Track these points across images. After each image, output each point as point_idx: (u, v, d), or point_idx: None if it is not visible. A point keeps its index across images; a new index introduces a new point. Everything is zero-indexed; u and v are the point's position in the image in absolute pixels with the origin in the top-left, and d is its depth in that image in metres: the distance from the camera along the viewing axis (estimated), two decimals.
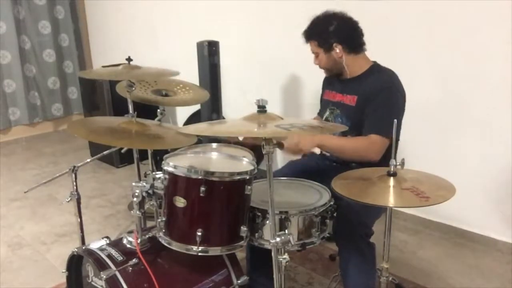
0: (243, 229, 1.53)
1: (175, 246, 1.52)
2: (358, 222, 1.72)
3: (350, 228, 1.72)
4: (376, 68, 1.93)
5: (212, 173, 1.47)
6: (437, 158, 2.59)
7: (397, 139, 1.74)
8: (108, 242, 1.69)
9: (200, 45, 2.77)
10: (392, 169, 1.45)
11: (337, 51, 1.87)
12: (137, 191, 1.62)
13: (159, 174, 1.61)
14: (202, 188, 1.44)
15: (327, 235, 1.66)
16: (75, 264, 1.73)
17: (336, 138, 1.85)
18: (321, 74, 2.16)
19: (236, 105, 3.48)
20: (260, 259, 1.77)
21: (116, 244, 1.69)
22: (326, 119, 2.01)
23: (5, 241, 2.69)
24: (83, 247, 1.68)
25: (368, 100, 1.83)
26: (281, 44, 3.21)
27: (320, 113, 2.11)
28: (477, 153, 2.49)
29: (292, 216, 1.55)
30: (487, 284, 2.24)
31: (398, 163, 1.49)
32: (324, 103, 2.07)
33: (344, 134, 1.88)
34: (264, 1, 3.20)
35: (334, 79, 2.02)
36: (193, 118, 3.61)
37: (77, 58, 5.00)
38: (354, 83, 1.92)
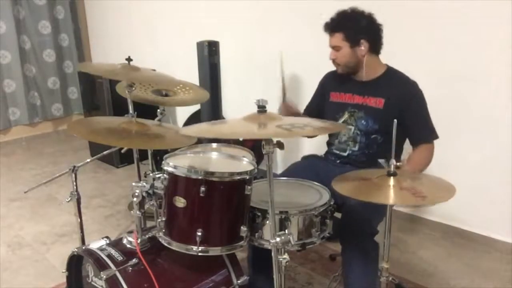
0: (243, 229, 1.53)
1: (175, 246, 1.52)
2: (363, 221, 1.73)
3: (356, 226, 1.73)
4: (393, 71, 1.96)
5: (212, 173, 1.47)
6: (437, 158, 2.58)
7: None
8: (108, 242, 1.70)
9: (200, 45, 2.78)
10: (392, 169, 1.45)
11: (362, 48, 1.87)
12: (137, 191, 1.62)
13: (159, 174, 1.61)
14: (202, 188, 1.44)
15: (327, 235, 1.66)
16: (75, 264, 1.73)
17: (416, 165, 1.83)
18: (322, 74, 2.16)
19: (236, 105, 3.48)
20: (261, 259, 1.77)
21: (116, 244, 1.69)
22: (345, 122, 1.98)
23: (5, 241, 2.69)
24: (83, 247, 1.68)
25: (403, 105, 1.85)
26: (281, 44, 3.20)
27: (328, 117, 2.05)
28: (477, 153, 2.49)
29: (292, 216, 1.55)
30: (487, 284, 2.24)
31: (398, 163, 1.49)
32: (338, 106, 2.02)
33: (371, 134, 1.92)
34: (264, 1, 3.20)
35: (345, 81, 1.99)
36: (193, 118, 3.61)
37: (77, 58, 5.00)
38: (376, 86, 1.93)
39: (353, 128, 1.97)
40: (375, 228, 1.78)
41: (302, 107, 2.56)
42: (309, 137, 2.22)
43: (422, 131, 1.89)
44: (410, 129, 1.86)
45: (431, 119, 1.91)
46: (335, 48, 1.91)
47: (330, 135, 2.10)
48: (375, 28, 1.88)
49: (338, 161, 2.03)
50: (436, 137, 1.90)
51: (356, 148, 1.98)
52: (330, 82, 2.11)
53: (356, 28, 1.86)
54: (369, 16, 1.87)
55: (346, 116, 1.99)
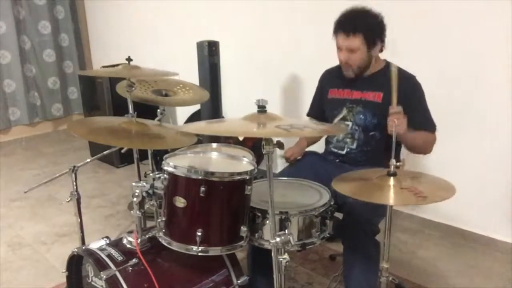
0: (243, 229, 1.53)
1: (175, 246, 1.52)
2: (365, 220, 1.73)
3: (357, 225, 1.73)
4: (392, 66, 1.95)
5: (212, 173, 1.47)
6: (437, 157, 2.59)
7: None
8: (108, 242, 1.70)
9: (200, 45, 2.77)
10: (392, 169, 1.45)
11: (376, 49, 1.87)
12: (137, 191, 1.62)
13: (159, 174, 1.61)
14: (202, 188, 1.44)
15: (327, 235, 1.66)
16: (75, 264, 1.73)
17: (416, 133, 1.83)
18: (321, 74, 2.16)
19: (236, 105, 3.48)
20: (261, 259, 1.77)
21: (116, 244, 1.69)
22: (344, 118, 1.98)
23: (5, 241, 2.69)
24: (83, 247, 1.68)
25: (402, 99, 1.82)
26: (281, 44, 3.21)
27: (328, 113, 2.06)
28: (477, 153, 2.49)
29: (292, 216, 1.55)
30: (487, 284, 2.24)
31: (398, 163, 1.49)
32: (336, 102, 2.02)
33: (370, 131, 1.92)
34: (264, 1, 3.20)
35: (343, 77, 1.97)
36: (193, 118, 3.61)
37: (77, 58, 5.00)
38: (375, 80, 1.93)
39: (351, 124, 1.97)
40: (376, 227, 1.78)
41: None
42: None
43: (421, 122, 1.87)
44: (409, 121, 1.84)
45: (430, 111, 1.91)
46: (350, 50, 1.84)
47: None
48: (384, 25, 1.87)
49: (337, 160, 2.03)
50: (435, 128, 1.91)
51: (354, 146, 1.97)
52: (328, 80, 2.11)
53: (375, 30, 1.83)
54: (380, 15, 1.85)
55: (344, 111, 1.99)
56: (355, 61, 1.86)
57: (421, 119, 1.88)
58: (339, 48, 1.89)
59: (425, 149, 1.91)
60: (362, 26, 1.80)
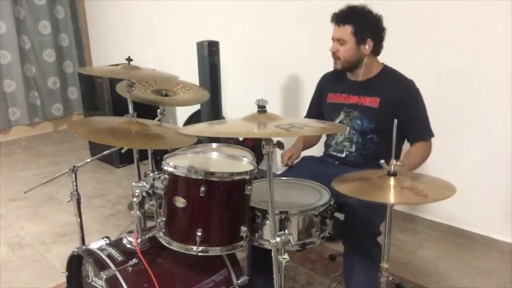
0: (243, 229, 1.53)
1: (175, 246, 1.52)
2: (366, 221, 1.73)
3: (359, 227, 1.73)
4: (389, 70, 1.96)
5: (212, 173, 1.47)
6: (437, 158, 2.58)
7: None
8: (108, 242, 1.70)
9: (200, 45, 2.77)
10: (392, 169, 1.45)
11: (367, 47, 1.87)
12: (137, 191, 1.62)
13: (159, 174, 1.61)
14: (202, 188, 1.44)
15: (327, 235, 1.66)
16: (75, 264, 1.73)
17: (412, 159, 1.86)
18: (321, 74, 2.16)
19: (236, 105, 3.48)
20: (261, 259, 1.77)
21: (116, 244, 1.69)
22: (341, 123, 1.98)
23: (5, 241, 2.69)
24: (83, 247, 1.68)
25: (399, 104, 1.86)
26: (281, 44, 3.21)
27: (326, 117, 2.06)
28: (476, 153, 2.49)
29: (292, 216, 1.55)
30: (487, 284, 2.24)
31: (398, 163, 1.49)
32: (333, 107, 2.03)
33: (367, 134, 1.92)
34: (264, 1, 3.20)
35: (341, 81, 1.98)
36: (193, 118, 3.61)
37: (77, 58, 5.01)
38: (372, 85, 1.93)
39: (348, 128, 1.97)
40: (377, 228, 1.78)
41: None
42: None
43: (419, 129, 1.90)
44: (407, 127, 1.85)
45: (428, 117, 1.91)
46: (339, 40, 1.88)
47: (327, 136, 2.10)
48: (381, 29, 1.89)
49: (336, 162, 2.03)
50: (432, 135, 1.91)
51: (353, 149, 1.98)
52: (327, 83, 2.11)
53: (366, 25, 1.85)
54: (379, 17, 1.87)
55: (341, 116, 1.99)
56: (343, 54, 1.89)
57: (419, 128, 1.88)
58: (332, 40, 1.92)
59: (423, 162, 1.91)
60: (352, 18, 1.85)
